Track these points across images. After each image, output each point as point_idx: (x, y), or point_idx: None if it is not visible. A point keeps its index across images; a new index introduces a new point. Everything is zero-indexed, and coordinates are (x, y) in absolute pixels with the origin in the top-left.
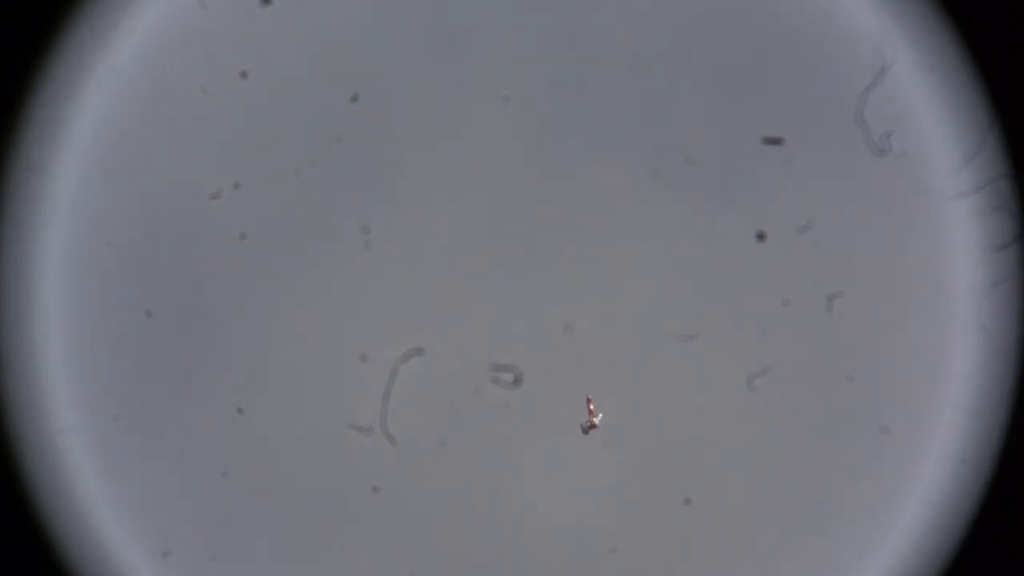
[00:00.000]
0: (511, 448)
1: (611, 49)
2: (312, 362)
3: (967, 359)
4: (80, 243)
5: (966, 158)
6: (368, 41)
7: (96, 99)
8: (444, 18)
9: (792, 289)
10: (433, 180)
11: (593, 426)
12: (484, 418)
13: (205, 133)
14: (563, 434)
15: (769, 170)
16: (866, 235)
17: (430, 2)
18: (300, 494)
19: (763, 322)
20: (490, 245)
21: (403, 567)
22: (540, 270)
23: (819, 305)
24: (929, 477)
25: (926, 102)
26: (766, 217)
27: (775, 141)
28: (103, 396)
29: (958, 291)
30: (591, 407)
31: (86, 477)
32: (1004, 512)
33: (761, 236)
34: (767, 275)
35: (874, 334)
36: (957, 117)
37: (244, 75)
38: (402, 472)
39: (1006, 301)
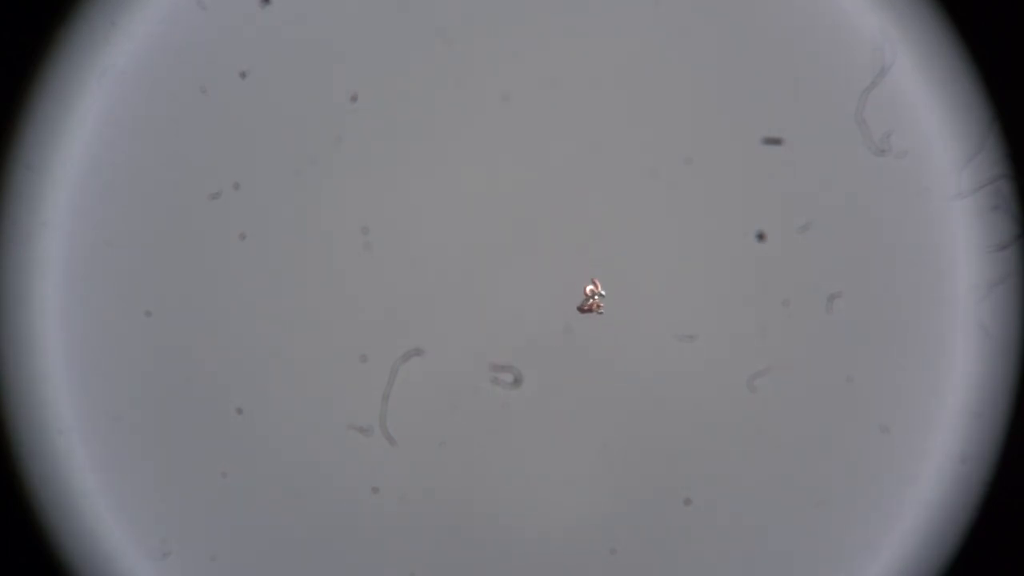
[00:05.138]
0: (511, 448)
1: (611, 49)
2: (312, 362)
3: (967, 359)
4: (80, 243)
5: (966, 158)
6: (368, 41)
7: (96, 99)
8: (443, 18)
9: (792, 289)
10: (433, 180)
11: (592, 307)
12: (484, 418)
13: (205, 133)
14: (563, 434)
15: (769, 170)
16: (866, 235)
17: (430, 2)
18: (300, 494)
19: (763, 322)
20: (490, 245)
21: (403, 567)
22: (540, 270)
23: (819, 305)
24: (929, 477)
25: (926, 102)
26: (766, 217)
27: (775, 141)
28: (103, 396)
29: (958, 291)
30: (596, 290)
31: (86, 477)
32: (1004, 512)
33: (761, 236)
34: (767, 275)
35: (874, 334)
36: (957, 117)
37: (244, 75)
38: (402, 472)
39: (1006, 301)
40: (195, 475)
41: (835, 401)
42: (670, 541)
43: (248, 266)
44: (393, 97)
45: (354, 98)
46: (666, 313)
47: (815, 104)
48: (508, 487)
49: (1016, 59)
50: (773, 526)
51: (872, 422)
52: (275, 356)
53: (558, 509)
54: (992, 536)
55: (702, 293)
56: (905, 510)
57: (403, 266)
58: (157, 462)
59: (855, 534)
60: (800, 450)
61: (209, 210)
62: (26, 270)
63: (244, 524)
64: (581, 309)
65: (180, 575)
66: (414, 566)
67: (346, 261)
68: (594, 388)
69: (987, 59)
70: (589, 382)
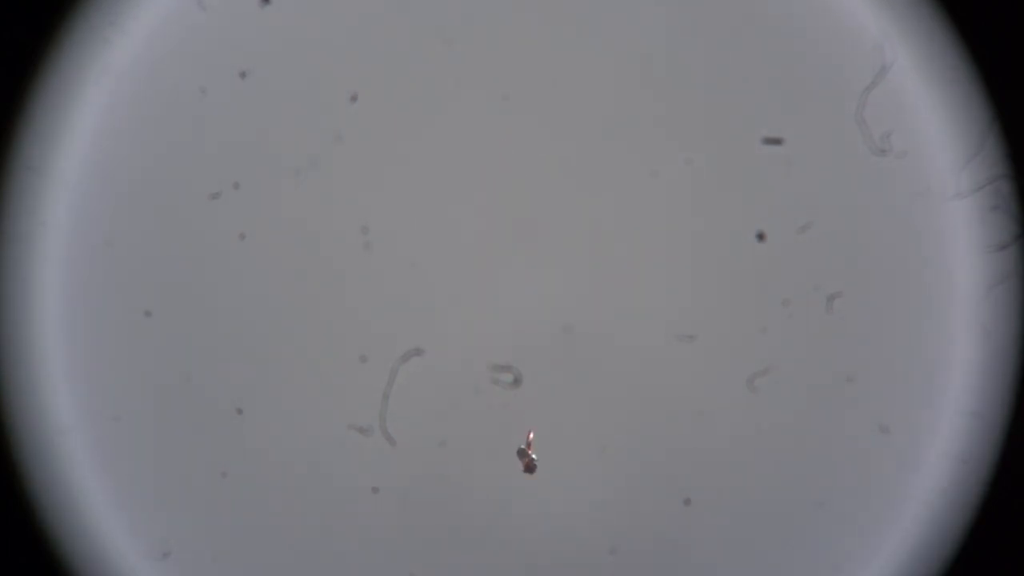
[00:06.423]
0: (511, 448)
1: (611, 49)
2: (312, 362)
3: (967, 359)
4: (80, 243)
5: (966, 158)
6: (368, 41)
7: (96, 99)
8: (443, 17)
9: (792, 289)
10: (433, 180)
11: (530, 464)
12: (484, 418)
13: (205, 133)
14: (563, 434)
15: (769, 170)
16: (866, 235)
17: (430, 2)
18: (300, 494)
19: (763, 322)
20: (490, 245)
21: (403, 567)
22: (540, 270)
23: (819, 305)
24: (929, 477)
25: (926, 102)
26: (766, 217)
27: (775, 141)
28: (103, 396)
29: (958, 291)
30: (530, 441)
31: (86, 477)
32: (1004, 512)
33: (761, 236)
34: (767, 275)
35: (874, 334)
36: (957, 117)
37: (244, 75)
38: (402, 472)
39: (1006, 301)
40: (195, 475)
41: (835, 401)
42: (670, 541)
43: (248, 266)
44: (393, 97)
45: (354, 98)
46: (666, 313)
47: (815, 104)
48: (508, 487)
49: (1016, 59)
50: (773, 526)
51: (872, 422)
52: (275, 356)
53: (558, 509)
54: (992, 536)
55: (702, 293)
56: (905, 510)
57: (403, 266)
58: (157, 462)
59: (855, 534)
60: (800, 450)
61: (209, 210)
62: (26, 270)
63: (244, 524)
64: (526, 466)
65: (180, 575)
66: (414, 566)
67: (346, 261)
68: (594, 388)
69: (987, 59)
70: (589, 382)
